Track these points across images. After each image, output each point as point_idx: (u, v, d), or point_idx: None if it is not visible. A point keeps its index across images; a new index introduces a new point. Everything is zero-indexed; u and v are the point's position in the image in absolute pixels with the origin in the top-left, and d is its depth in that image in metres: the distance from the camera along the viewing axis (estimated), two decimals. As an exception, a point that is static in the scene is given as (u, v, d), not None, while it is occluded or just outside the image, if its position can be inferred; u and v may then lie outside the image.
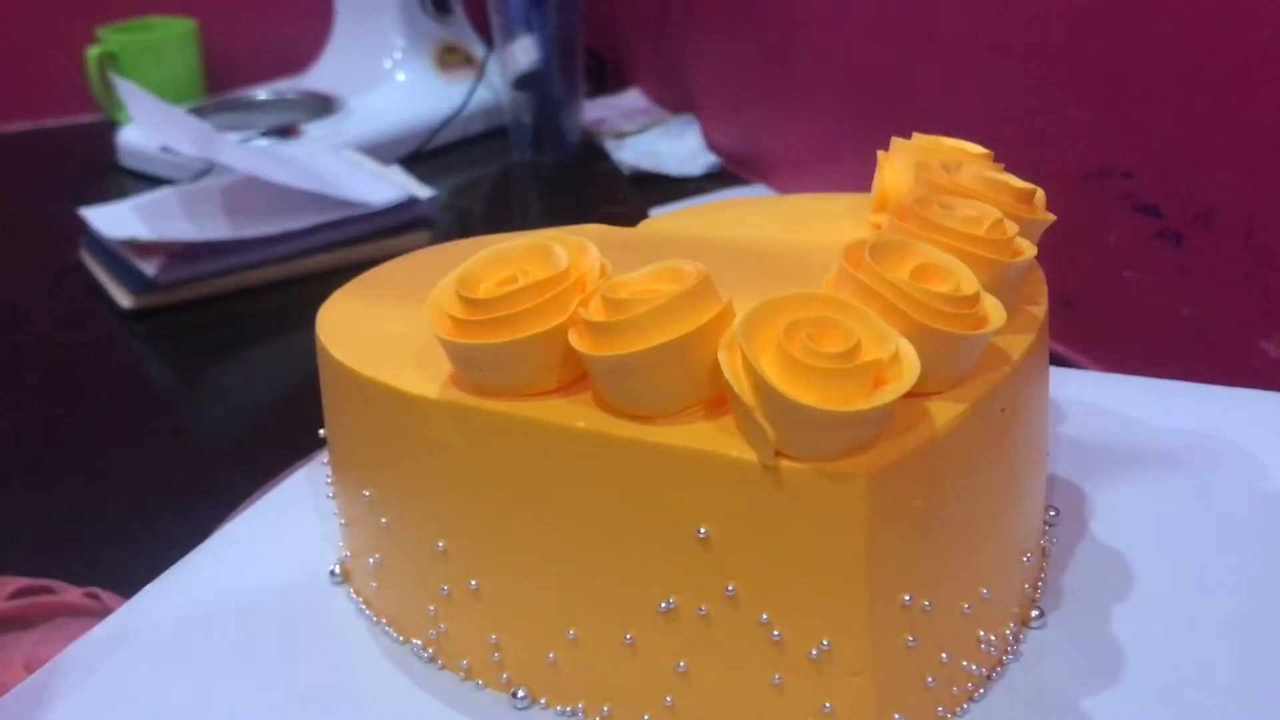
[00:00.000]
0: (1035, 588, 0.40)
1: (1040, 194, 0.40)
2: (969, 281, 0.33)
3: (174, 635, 0.41)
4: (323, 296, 0.42)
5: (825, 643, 0.32)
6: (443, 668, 0.39)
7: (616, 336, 0.31)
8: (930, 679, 0.34)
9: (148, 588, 0.43)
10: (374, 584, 0.40)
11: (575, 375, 0.34)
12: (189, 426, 0.79)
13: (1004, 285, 0.35)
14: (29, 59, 1.33)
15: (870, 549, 0.31)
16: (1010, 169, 0.42)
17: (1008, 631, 0.37)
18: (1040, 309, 0.39)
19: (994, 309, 0.34)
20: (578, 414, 0.33)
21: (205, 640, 0.41)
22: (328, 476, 0.43)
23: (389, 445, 0.37)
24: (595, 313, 0.32)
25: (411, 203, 0.98)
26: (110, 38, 1.25)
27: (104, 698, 0.38)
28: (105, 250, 0.93)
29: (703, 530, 0.32)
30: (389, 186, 0.99)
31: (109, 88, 1.19)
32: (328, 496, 0.43)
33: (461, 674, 0.38)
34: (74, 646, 0.41)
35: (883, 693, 0.33)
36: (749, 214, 0.49)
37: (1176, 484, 0.45)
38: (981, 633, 0.36)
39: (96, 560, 0.60)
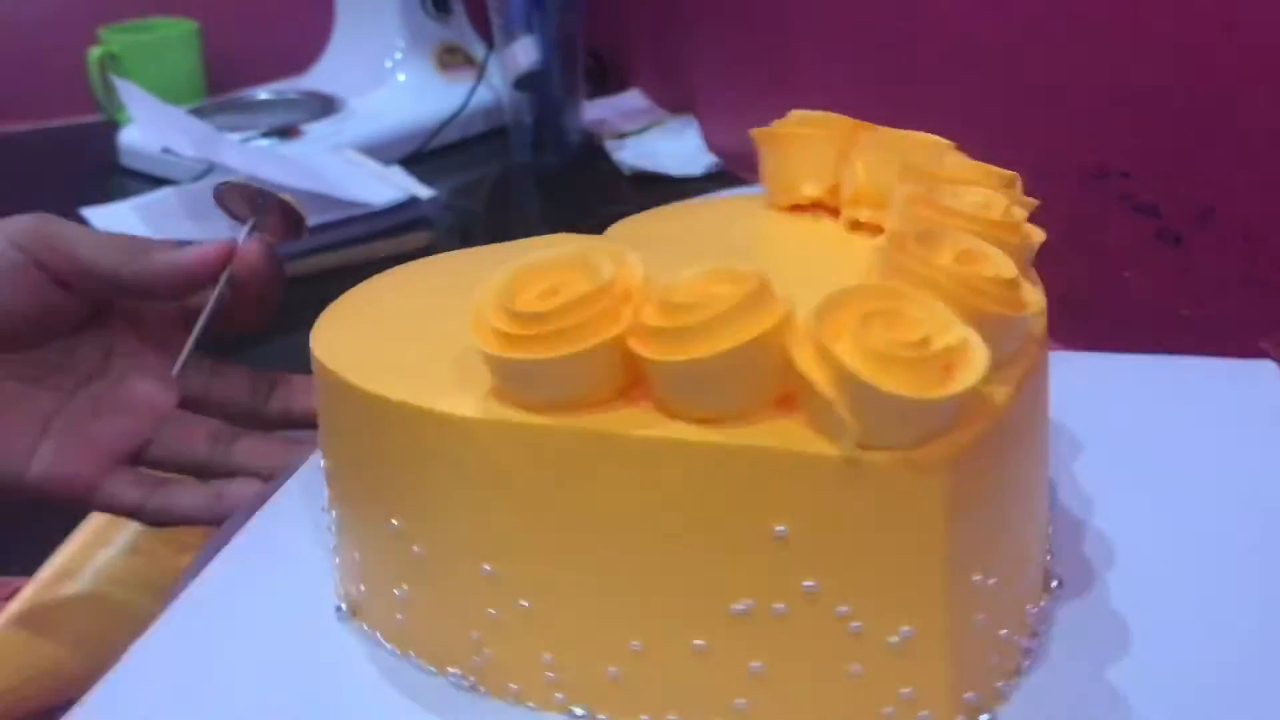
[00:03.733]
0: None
1: (1018, 180, 0.40)
2: (1007, 265, 0.33)
3: (170, 693, 0.38)
4: (322, 296, 0.42)
5: (904, 629, 0.32)
6: (486, 694, 0.37)
7: (685, 341, 0.30)
8: (994, 656, 0.34)
9: (137, 645, 0.40)
10: (400, 616, 0.38)
11: (628, 384, 0.33)
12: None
13: (1023, 269, 0.36)
14: (30, 59, 1.33)
15: (950, 532, 0.31)
16: (1010, 169, 0.42)
17: (1039, 607, 0.38)
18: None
19: (1030, 290, 0.34)
20: (640, 421, 0.32)
21: (213, 689, 0.38)
22: (324, 504, 0.41)
23: (422, 470, 0.35)
24: (655, 318, 0.31)
25: (412, 203, 0.99)
26: (111, 38, 1.25)
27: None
28: (106, 250, 0.93)
29: (781, 528, 0.31)
30: (389, 186, 0.99)
31: (110, 88, 1.19)
32: (328, 529, 0.41)
33: (511, 698, 0.36)
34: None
35: (959, 673, 0.33)
36: (710, 214, 0.50)
37: (1176, 484, 0.45)
38: (1028, 606, 0.36)
39: (97, 560, 0.60)
